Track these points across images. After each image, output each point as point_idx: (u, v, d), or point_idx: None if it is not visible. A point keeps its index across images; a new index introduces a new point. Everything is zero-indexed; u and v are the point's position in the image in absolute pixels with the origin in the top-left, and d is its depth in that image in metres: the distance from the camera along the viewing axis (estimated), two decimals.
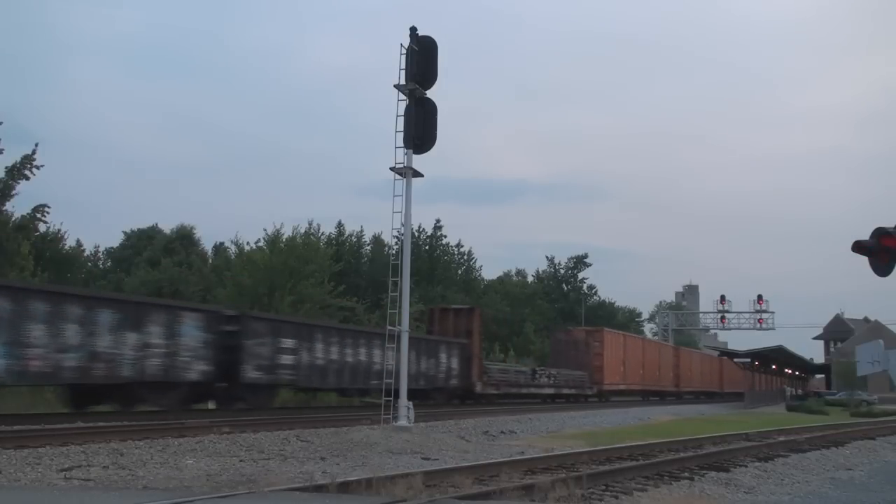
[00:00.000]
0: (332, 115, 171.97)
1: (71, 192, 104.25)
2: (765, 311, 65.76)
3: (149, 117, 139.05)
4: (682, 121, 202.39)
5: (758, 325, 66.04)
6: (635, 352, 41.29)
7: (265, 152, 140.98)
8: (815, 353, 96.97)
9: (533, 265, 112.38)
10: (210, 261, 47.86)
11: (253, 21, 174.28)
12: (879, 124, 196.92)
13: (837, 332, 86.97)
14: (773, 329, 66.12)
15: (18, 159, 26.57)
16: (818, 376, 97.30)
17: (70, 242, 40.29)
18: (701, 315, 77.17)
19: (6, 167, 26.05)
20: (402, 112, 16.78)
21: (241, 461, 9.76)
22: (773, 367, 71.99)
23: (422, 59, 16.67)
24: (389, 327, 16.42)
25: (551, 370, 33.70)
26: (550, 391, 32.93)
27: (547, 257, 73.92)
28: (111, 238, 73.13)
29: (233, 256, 42.02)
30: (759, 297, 65.72)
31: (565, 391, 34.26)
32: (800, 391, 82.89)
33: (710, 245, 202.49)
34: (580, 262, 68.48)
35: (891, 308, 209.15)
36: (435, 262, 49.31)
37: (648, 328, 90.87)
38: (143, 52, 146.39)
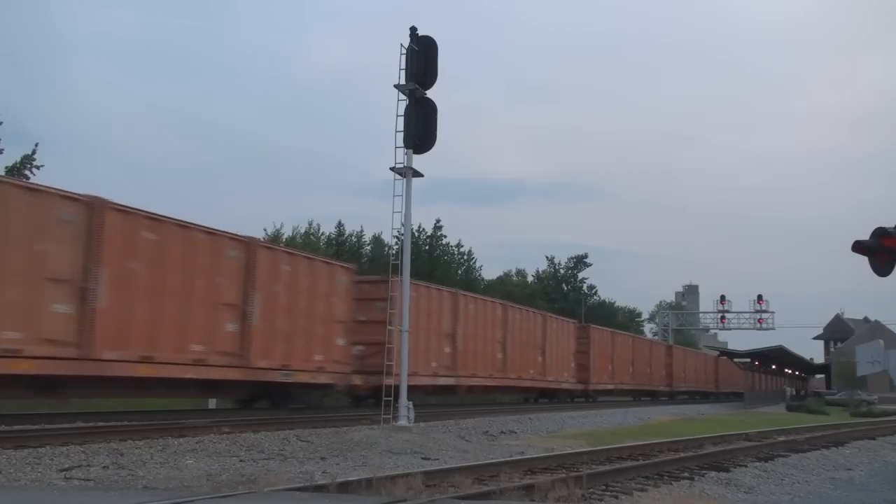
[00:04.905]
0: (332, 115, 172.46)
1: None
2: (765, 311, 65.86)
3: (149, 117, 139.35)
4: (683, 120, 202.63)
5: (758, 325, 66.14)
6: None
7: (265, 152, 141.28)
8: (815, 353, 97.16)
9: (533, 265, 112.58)
10: None
11: (254, 21, 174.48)
12: (879, 124, 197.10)
13: (837, 332, 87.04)
14: (773, 329, 66.31)
15: (18, 159, 26.62)
16: (818, 376, 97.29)
17: None
18: (701, 315, 77.21)
19: (6, 167, 26.08)
20: (402, 112, 16.75)
21: (241, 461, 9.75)
22: (773, 367, 71.97)
23: (422, 59, 16.64)
24: (389, 327, 16.43)
25: None
26: None
27: (547, 257, 73.86)
28: None
29: None
30: (759, 297, 65.87)
31: None
32: (801, 391, 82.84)
33: (710, 245, 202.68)
34: (580, 261, 68.37)
35: (891, 308, 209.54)
36: (435, 262, 49.12)
37: (648, 328, 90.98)
38: (144, 53, 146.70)
